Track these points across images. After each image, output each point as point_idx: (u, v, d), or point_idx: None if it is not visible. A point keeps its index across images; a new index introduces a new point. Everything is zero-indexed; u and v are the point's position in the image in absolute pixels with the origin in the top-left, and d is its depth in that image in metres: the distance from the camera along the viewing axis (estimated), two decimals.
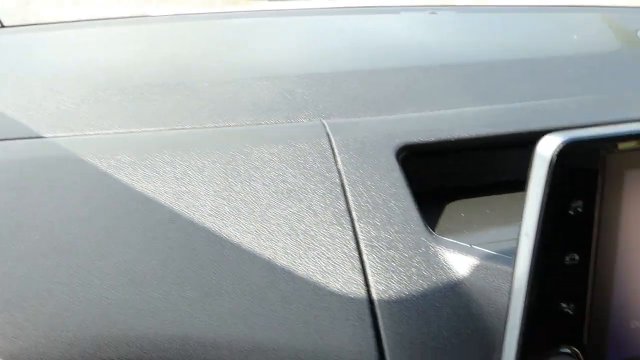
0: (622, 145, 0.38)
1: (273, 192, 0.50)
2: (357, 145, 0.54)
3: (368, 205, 0.49)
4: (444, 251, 0.47)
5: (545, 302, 0.39)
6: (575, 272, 0.39)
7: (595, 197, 0.38)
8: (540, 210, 0.37)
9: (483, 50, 0.74)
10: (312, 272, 0.46)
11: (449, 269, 0.47)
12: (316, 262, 0.46)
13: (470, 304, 0.44)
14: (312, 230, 0.48)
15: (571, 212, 0.37)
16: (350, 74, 0.65)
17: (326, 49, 0.74)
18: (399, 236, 0.48)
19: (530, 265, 0.38)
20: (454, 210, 0.55)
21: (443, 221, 0.53)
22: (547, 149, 0.36)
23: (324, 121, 0.57)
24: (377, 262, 0.46)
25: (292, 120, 0.58)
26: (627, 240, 0.39)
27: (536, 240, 0.37)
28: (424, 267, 0.47)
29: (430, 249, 0.47)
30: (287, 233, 0.47)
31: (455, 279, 0.46)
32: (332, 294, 0.45)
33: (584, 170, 0.37)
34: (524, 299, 0.38)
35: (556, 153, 0.36)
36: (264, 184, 0.50)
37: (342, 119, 0.58)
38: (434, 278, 0.46)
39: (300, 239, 0.47)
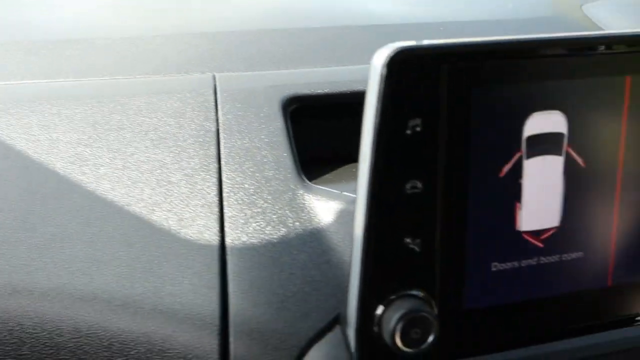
0: (467, 60, 0.34)
1: (142, 140, 0.47)
2: (242, 95, 0.51)
3: (240, 153, 0.46)
4: (311, 198, 0.43)
5: (387, 237, 0.35)
6: (418, 202, 0.34)
7: (437, 115, 0.34)
8: (375, 131, 0.33)
9: (394, 13, 0.70)
10: (166, 220, 0.42)
11: (314, 215, 0.43)
12: (173, 210, 0.43)
13: (330, 251, 0.40)
14: (175, 177, 0.44)
15: (409, 132, 0.33)
16: (254, 32, 0.62)
17: (233, 7, 0.72)
18: (266, 183, 0.44)
19: (367, 195, 0.34)
20: (341, 164, 0.51)
21: (324, 172, 0.49)
22: (380, 59, 0.32)
23: (215, 74, 0.54)
24: (237, 209, 0.43)
25: (185, 74, 0.55)
26: (478, 167, 0.35)
27: (372, 166, 0.33)
28: (287, 213, 0.43)
29: (297, 195, 0.43)
30: (147, 181, 0.44)
31: (319, 226, 0.42)
32: (183, 242, 0.41)
33: (422, 84, 0.33)
34: (362, 234, 0.34)
35: (387, 62, 0.32)
36: (134, 132, 0.47)
37: (237, 73, 0.55)
38: (296, 224, 0.42)
39: (161, 187, 0.44)
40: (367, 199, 0.34)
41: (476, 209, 0.36)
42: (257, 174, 0.45)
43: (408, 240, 0.35)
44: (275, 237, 0.42)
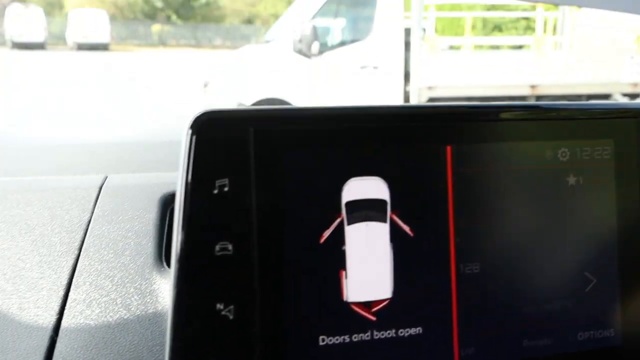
0: (276, 125, 0.35)
1: (9, 231, 0.47)
2: (124, 191, 0.52)
3: (103, 241, 0.46)
4: (163, 282, 0.42)
5: (198, 303, 0.33)
6: (229, 265, 0.34)
7: (247, 177, 0.34)
8: (183, 190, 0.33)
9: None
10: (8, 305, 0.41)
11: (162, 298, 0.42)
12: (17, 294, 0.42)
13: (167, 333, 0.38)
14: (29, 264, 0.44)
15: (216, 192, 0.34)
16: (150, 142, 0.65)
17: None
18: (121, 268, 0.44)
19: (178, 255, 0.33)
20: None
21: None
22: (189, 121, 0.34)
23: (108, 175, 0.55)
24: (83, 292, 0.42)
25: (81, 175, 0.57)
26: (294, 231, 0.35)
27: (182, 226, 0.33)
28: (133, 297, 0.42)
29: (149, 280, 0.43)
30: (4, 272, 0.44)
31: (163, 309, 0.41)
32: (17, 325, 0.40)
33: (230, 146, 0.34)
34: (172, 300, 0.33)
35: (192, 124, 0.34)
36: (4, 223, 0.48)
37: (128, 174, 0.56)
38: (140, 307, 0.41)
39: (14, 273, 0.44)
40: (179, 261, 0.33)
41: (296, 276, 0.35)
42: (114, 260, 0.45)
43: (220, 306, 0.33)
44: (114, 319, 0.40)
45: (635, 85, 6.36)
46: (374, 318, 0.36)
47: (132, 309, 0.41)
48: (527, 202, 0.39)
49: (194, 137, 0.33)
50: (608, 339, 0.40)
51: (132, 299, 0.42)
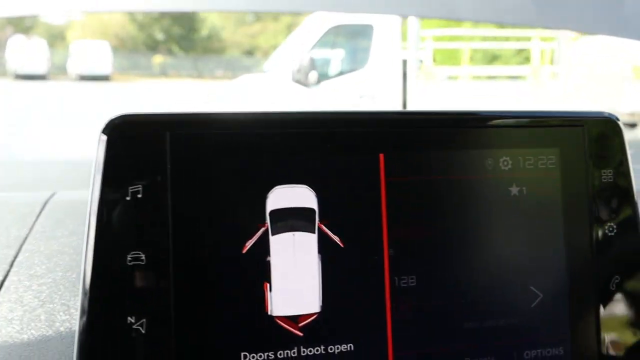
0: (194, 130, 0.33)
1: None
2: (67, 206, 0.51)
3: (36, 256, 0.44)
4: None
5: (108, 315, 0.31)
6: (142, 276, 0.32)
7: (162, 183, 0.32)
8: (95, 195, 0.32)
9: None
10: None
11: None
12: None
13: None
14: None
15: (128, 198, 0.32)
16: None
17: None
18: (50, 283, 0.42)
19: (90, 265, 0.32)
20: None
21: None
22: (105, 125, 0.32)
23: (57, 192, 0.54)
24: (4, 310, 0.40)
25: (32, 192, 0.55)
26: (213, 240, 0.33)
27: (93, 233, 0.32)
28: (58, 312, 0.40)
29: (77, 294, 0.41)
30: None
31: None
32: None
33: (145, 151, 0.32)
34: (81, 310, 0.31)
35: (105, 128, 0.32)
36: None
37: (77, 191, 0.55)
38: (63, 323, 0.39)
39: None
40: (90, 271, 0.31)
41: (216, 288, 0.33)
42: (46, 276, 0.43)
43: (131, 320, 0.32)
44: (34, 336, 0.38)
45: (632, 114, 6.38)
46: (300, 333, 0.34)
47: (56, 325, 0.39)
48: (467, 213, 0.37)
49: (107, 141, 0.32)
50: (557, 357, 0.38)
51: (58, 315, 0.40)
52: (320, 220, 0.35)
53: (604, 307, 0.39)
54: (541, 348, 0.38)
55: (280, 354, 0.34)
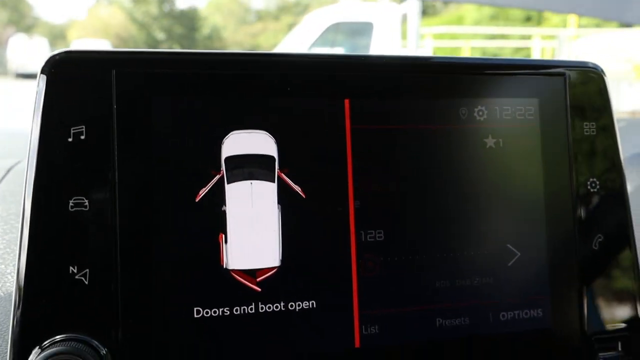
0: (144, 68, 0.31)
1: None
2: None
3: None
4: None
5: (48, 264, 0.29)
6: (84, 224, 0.30)
7: (107, 124, 0.30)
8: (35, 137, 0.30)
9: None
10: None
11: None
12: None
13: None
14: None
15: (70, 140, 0.30)
16: None
17: None
18: (4, 245, 0.40)
19: (29, 212, 0.29)
20: None
21: None
22: (45, 61, 0.30)
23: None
24: None
25: None
26: (163, 187, 0.31)
27: (33, 177, 0.29)
28: (4, 275, 0.38)
29: None
30: None
31: None
32: None
33: (89, 89, 0.30)
34: (19, 258, 0.29)
35: (46, 64, 0.30)
36: None
37: None
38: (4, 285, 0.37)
39: None
40: (28, 216, 0.29)
41: (166, 237, 0.31)
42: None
43: (73, 269, 0.29)
44: None
45: (633, 113, 6.34)
46: (258, 289, 0.32)
47: (7, 285, 0.37)
48: (439, 165, 0.35)
49: (47, 79, 0.30)
50: (535, 319, 0.36)
51: (8, 276, 0.38)
52: (280, 169, 0.33)
53: (586, 267, 0.37)
54: (519, 309, 0.36)
55: (236, 310, 0.31)
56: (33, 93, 0.30)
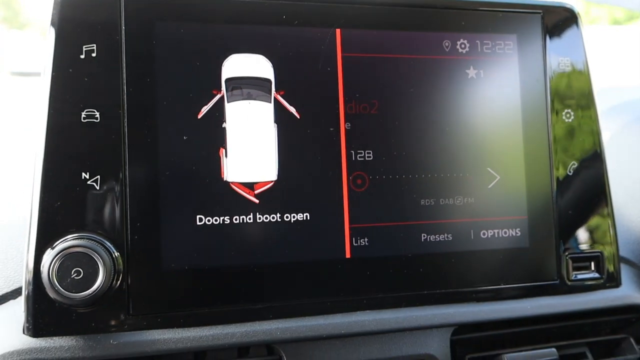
0: None
1: None
2: None
3: None
4: None
5: (64, 171, 0.32)
6: (96, 134, 0.32)
7: (115, 44, 0.33)
8: (50, 53, 0.32)
9: None
10: None
11: None
12: None
13: None
14: None
15: (82, 56, 0.32)
16: None
17: None
18: None
19: (45, 123, 0.32)
20: None
21: None
22: None
23: None
24: None
25: None
26: (168, 103, 0.33)
27: (49, 89, 0.32)
28: None
29: None
30: None
31: None
32: None
33: (99, 9, 0.33)
34: (40, 165, 0.32)
35: None
36: None
37: None
38: None
39: None
40: (43, 128, 0.32)
41: (171, 150, 0.33)
42: None
43: (86, 175, 0.32)
44: None
45: None
46: (256, 200, 0.34)
47: None
48: (424, 92, 0.38)
49: (61, 1, 0.32)
50: (514, 239, 0.39)
51: None
52: (277, 91, 0.35)
53: (562, 191, 0.40)
54: (498, 228, 0.38)
55: (235, 219, 0.34)
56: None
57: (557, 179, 0.40)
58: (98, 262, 0.30)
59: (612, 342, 0.42)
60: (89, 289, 0.30)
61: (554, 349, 0.38)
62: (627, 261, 0.44)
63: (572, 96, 0.40)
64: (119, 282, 0.32)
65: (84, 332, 0.31)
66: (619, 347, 0.42)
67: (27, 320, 0.31)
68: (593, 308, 0.40)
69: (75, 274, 0.30)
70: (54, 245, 0.31)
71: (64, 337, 0.31)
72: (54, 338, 0.31)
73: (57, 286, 0.30)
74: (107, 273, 0.30)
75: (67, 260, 0.30)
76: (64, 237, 0.31)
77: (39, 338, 0.31)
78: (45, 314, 0.31)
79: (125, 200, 0.32)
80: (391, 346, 0.36)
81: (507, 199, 0.39)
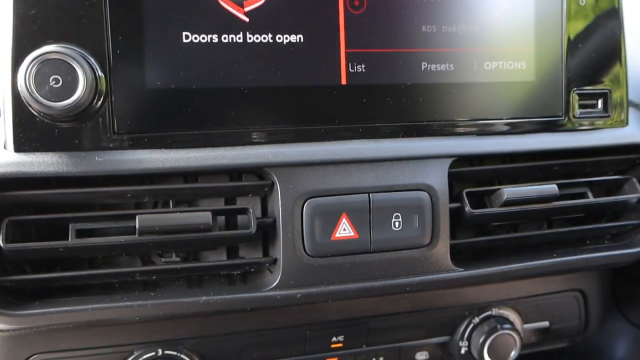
0: None
1: None
2: None
3: None
4: None
5: None
6: None
7: None
8: None
9: None
10: None
11: None
12: None
13: None
14: None
15: None
16: None
17: None
18: None
19: None
20: None
21: None
22: None
23: None
24: None
25: None
26: None
27: None
28: None
29: None
30: None
31: None
32: None
33: None
34: None
35: None
36: None
37: None
38: None
39: None
40: None
41: None
42: None
43: None
44: None
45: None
46: (246, 19, 0.32)
47: None
48: None
49: None
50: (519, 71, 0.37)
51: None
52: None
53: (572, 23, 0.37)
54: (502, 60, 0.36)
55: (224, 38, 0.32)
56: None
57: (569, 9, 0.37)
58: (77, 70, 0.29)
59: (613, 184, 0.41)
60: (69, 97, 0.29)
61: (554, 186, 0.37)
62: (635, 105, 0.42)
63: None
64: (101, 100, 0.30)
65: (68, 149, 0.30)
66: (620, 189, 0.41)
67: (7, 134, 0.30)
68: (597, 145, 0.38)
69: (54, 82, 0.29)
70: (31, 54, 0.29)
71: (48, 153, 0.30)
72: (37, 153, 0.30)
73: (35, 94, 0.28)
74: (87, 84, 0.29)
75: (45, 66, 0.28)
76: (41, 46, 0.29)
77: (22, 153, 0.30)
78: (26, 128, 0.30)
79: (106, 12, 0.30)
80: (387, 175, 0.35)
81: (514, 30, 0.36)
